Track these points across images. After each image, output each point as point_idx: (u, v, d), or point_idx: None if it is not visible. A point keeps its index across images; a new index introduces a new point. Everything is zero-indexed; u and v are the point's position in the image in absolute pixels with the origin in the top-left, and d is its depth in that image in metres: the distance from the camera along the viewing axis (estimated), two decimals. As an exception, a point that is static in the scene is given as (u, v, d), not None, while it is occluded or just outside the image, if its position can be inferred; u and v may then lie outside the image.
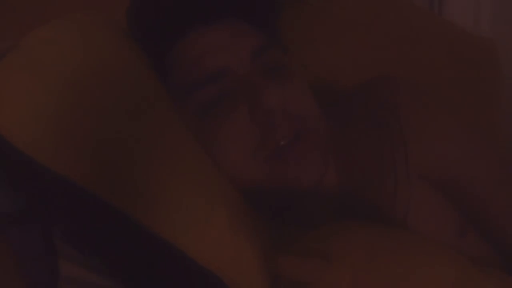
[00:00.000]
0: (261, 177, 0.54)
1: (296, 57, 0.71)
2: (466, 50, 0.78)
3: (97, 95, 0.52)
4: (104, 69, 0.54)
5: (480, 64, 0.78)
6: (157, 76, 0.58)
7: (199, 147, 0.55)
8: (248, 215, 0.54)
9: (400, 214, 0.55)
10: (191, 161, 0.53)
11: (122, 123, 0.51)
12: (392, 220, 0.55)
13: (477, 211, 0.57)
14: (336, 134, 0.60)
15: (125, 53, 0.58)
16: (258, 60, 0.56)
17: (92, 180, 0.49)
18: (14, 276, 0.56)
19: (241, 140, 0.54)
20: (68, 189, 0.49)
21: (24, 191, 0.55)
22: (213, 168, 0.55)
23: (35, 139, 0.49)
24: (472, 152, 0.58)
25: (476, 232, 0.58)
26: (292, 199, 0.57)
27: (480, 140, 0.61)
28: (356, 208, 0.59)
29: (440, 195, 0.57)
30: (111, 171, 0.49)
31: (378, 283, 0.45)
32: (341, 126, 0.61)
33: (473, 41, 0.80)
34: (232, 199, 0.54)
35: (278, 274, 0.48)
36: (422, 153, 0.56)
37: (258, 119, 0.53)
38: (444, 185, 0.57)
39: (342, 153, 0.60)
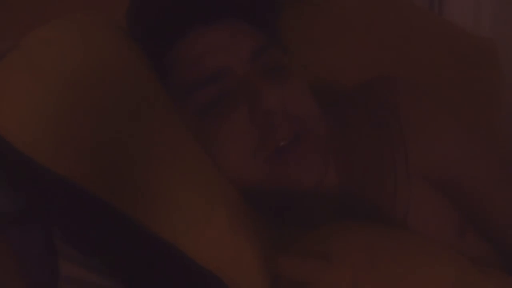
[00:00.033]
0: (261, 177, 0.54)
1: (296, 57, 0.71)
2: (466, 50, 0.78)
3: (97, 95, 0.52)
4: (104, 69, 0.54)
5: (480, 64, 0.78)
6: (157, 76, 0.58)
7: (199, 147, 0.55)
8: (248, 215, 0.54)
9: (400, 214, 0.55)
10: (191, 161, 0.53)
11: (122, 123, 0.51)
12: (392, 220, 0.55)
13: (477, 211, 0.57)
14: (336, 134, 0.60)
15: (125, 53, 0.58)
16: (258, 60, 0.56)
17: (92, 180, 0.49)
18: (14, 276, 0.56)
19: (241, 140, 0.54)
20: (68, 189, 0.49)
21: (24, 191, 0.55)
22: (213, 168, 0.55)
23: (35, 139, 0.49)
24: (472, 152, 0.58)
25: (476, 232, 0.58)
26: (292, 200, 0.57)
27: (480, 140, 0.61)
28: (356, 208, 0.59)
29: (440, 195, 0.57)
30: (111, 171, 0.49)
31: (378, 283, 0.45)
32: (341, 126, 0.61)
33: (473, 41, 0.80)
34: (232, 199, 0.54)
35: (278, 274, 0.48)
36: (422, 153, 0.56)
37: (258, 120, 0.53)
38: (444, 185, 0.57)
39: (342, 153, 0.60)
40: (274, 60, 0.57)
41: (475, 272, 0.49)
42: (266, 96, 0.53)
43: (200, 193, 0.51)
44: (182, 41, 0.57)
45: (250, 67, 0.55)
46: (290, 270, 0.47)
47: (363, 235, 0.49)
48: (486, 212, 0.57)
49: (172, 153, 0.52)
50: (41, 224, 0.58)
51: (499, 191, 0.57)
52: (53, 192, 0.51)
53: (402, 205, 0.55)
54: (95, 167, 0.49)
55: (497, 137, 0.77)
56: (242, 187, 0.55)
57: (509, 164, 0.59)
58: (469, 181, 0.57)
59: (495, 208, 0.57)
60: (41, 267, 0.58)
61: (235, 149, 0.54)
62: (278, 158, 0.53)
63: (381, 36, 0.76)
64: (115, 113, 0.51)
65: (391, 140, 0.57)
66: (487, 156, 0.59)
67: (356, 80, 0.67)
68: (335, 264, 0.46)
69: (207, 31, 0.56)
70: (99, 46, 0.56)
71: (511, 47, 0.95)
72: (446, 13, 1.03)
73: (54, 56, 0.53)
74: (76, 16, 0.58)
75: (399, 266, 0.46)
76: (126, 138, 0.51)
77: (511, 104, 0.84)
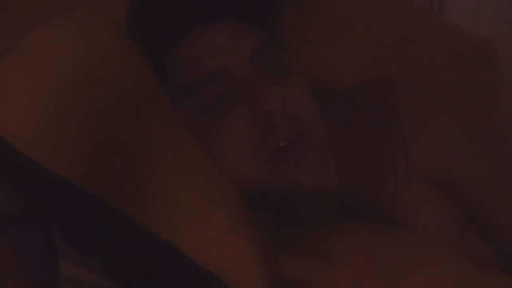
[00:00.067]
0: (261, 177, 0.54)
1: (296, 57, 0.71)
2: (466, 50, 0.78)
3: (97, 95, 0.52)
4: (104, 69, 0.54)
5: (480, 64, 0.78)
6: (157, 76, 0.58)
7: (199, 147, 0.55)
8: (248, 215, 0.54)
9: (400, 214, 0.55)
10: (191, 161, 0.53)
11: (121, 124, 0.51)
12: (392, 220, 0.55)
13: (477, 211, 0.57)
14: (336, 134, 0.60)
15: (125, 53, 0.58)
16: (258, 60, 0.56)
17: (92, 180, 0.49)
18: (14, 276, 0.56)
19: (241, 140, 0.54)
20: (68, 189, 0.49)
21: (24, 191, 0.55)
22: (213, 168, 0.55)
23: (35, 140, 0.49)
24: (472, 152, 0.58)
25: (476, 232, 0.58)
26: (292, 200, 0.57)
27: (480, 140, 0.61)
28: (356, 208, 0.59)
29: (440, 195, 0.57)
30: (111, 171, 0.49)
31: (378, 283, 0.45)
32: (341, 126, 0.61)
33: (473, 41, 0.80)
34: (232, 199, 0.54)
35: (278, 274, 0.48)
36: (422, 153, 0.56)
37: (257, 120, 0.53)
38: (444, 185, 0.57)
39: (342, 153, 0.60)
40: (274, 60, 0.57)
41: (475, 272, 0.49)
42: (266, 96, 0.53)
43: (200, 193, 0.51)
44: (182, 41, 0.57)
45: (250, 67, 0.55)
46: (290, 270, 0.47)
47: (363, 235, 0.49)
48: (486, 212, 0.57)
49: (172, 153, 0.52)
50: (41, 224, 0.58)
51: (499, 191, 0.57)
52: (53, 192, 0.51)
53: (402, 205, 0.55)
54: (95, 167, 0.49)
55: (497, 137, 0.77)
56: (242, 187, 0.55)
57: (509, 164, 0.59)
58: (469, 181, 0.57)
59: (495, 208, 0.57)
60: (41, 267, 0.58)
61: (235, 149, 0.54)
62: (278, 158, 0.53)
63: (381, 36, 0.76)
64: (115, 113, 0.51)
65: (391, 140, 0.57)
66: (487, 156, 0.59)
67: (356, 80, 0.67)
68: (335, 264, 0.46)
69: (207, 31, 0.56)
70: (99, 46, 0.56)
71: (511, 47, 0.95)
72: (446, 13, 1.03)
73: (54, 56, 0.53)
74: (76, 16, 0.58)
75: (399, 266, 0.46)
76: (126, 138, 0.51)
77: (511, 104, 0.84)
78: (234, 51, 0.56)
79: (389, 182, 0.56)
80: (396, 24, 0.78)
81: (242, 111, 0.54)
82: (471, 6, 1.04)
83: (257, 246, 0.51)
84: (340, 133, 0.61)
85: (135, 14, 0.60)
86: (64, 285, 0.56)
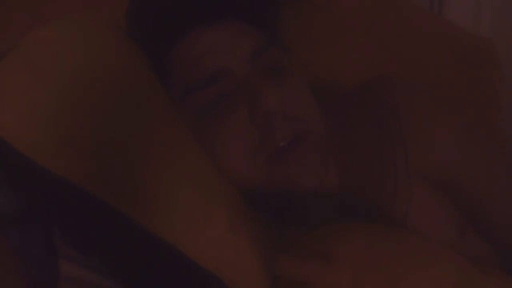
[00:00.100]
0: (261, 178, 0.54)
1: (296, 57, 0.71)
2: (466, 50, 0.78)
3: (96, 95, 0.52)
4: (104, 69, 0.54)
5: (480, 64, 0.78)
6: (157, 76, 0.58)
7: (199, 147, 0.55)
8: (248, 215, 0.54)
9: (400, 214, 0.55)
10: (191, 162, 0.53)
11: (121, 124, 0.51)
12: (392, 220, 0.55)
13: (477, 211, 0.57)
14: (336, 134, 0.60)
15: (125, 53, 0.58)
16: (258, 60, 0.56)
17: (92, 181, 0.49)
18: (14, 276, 0.56)
19: (241, 141, 0.54)
20: (68, 189, 0.49)
21: (24, 191, 0.55)
22: (213, 168, 0.55)
23: (35, 140, 0.49)
24: (472, 152, 0.58)
25: (476, 232, 0.58)
26: (293, 200, 0.57)
27: (480, 140, 0.61)
28: (356, 208, 0.59)
29: (440, 195, 0.57)
30: (110, 171, 0.49)
31: (378, 283, 0.45)
32: (341, 126, 0.61)
33: (473, 41, 0.80)
34: (232, 199, 0.54)
35: (278, 274, 0.48)
36: (422, 153, 0.56)
37: (257, 120, 0.53)
38: (444, 185, 0.57)
39: (342, 153, 0.60)
40: (274, 60, 0.57)
41: (475, 272, 0.49)
42: (266, 96, 0.53)
43: (200, 193, 0.51)
44: (182, 41, 0.57)
45: (250, 67, 0.55)
46: (290, 270, 0.47)
47: (363, 235, 0.49)
48: (486, 212, 0.57)
49: (172, 153, 0.52)
50: (41, 224, 0.58)
51: (499, 191, 0.57)
52: (53, 192, 0.51)
53: (402, 205, 0.55)
54: (95, 167, 0.49)
55: (497, 137, 0.77)
56: (242, 187, 0.55)
57: (509, 164, 0.59)
58: (469, 181, 0.57)
59: (495, 208, 0.57)
60: (41, 267, 0.58)
61: (235, 149, 0.54)
62: (278, 159, 0.53)
63: (381, 36, 0.76)
64: (115, 113, 0.51)
65: (391, 140, 0.57)
66: (487, 156, 0.59)
67: (356, 80, 0.67)
68: (335, 264, 0.46)
69: (207, 31, 0.56)
70: (99, 46, 0.56)
71: (511, 47, 0.95)
72: (446, 13, 1.03)
73: (54, 56, 0.53)
74: (76, 16, 0.58)
75: (399, 266, 0.46)
76: (126, 138, 0.51)
77: (511, 104, 0.84)
78: (234, 51, 0.56)
79: (389, 182, 0.56)
80: (396, 24, 0.78)
81: (242, 111, 0.54)
82: (471, 6, 1.04)
83: (257, 246, 0.51)
84: (340, 133, 0.61)
85: (135, 14, 0.60)
86: (64, 285, 0.56)
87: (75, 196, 0.49)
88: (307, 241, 0.49)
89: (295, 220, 0.58)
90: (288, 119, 0.54)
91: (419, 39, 0.77)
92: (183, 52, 0.57)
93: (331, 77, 0.74)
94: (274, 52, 0.58)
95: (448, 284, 0.46)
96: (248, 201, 0.56)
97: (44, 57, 0.52)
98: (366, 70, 0.72)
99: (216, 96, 0.55)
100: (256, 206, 0.56)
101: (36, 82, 0.50)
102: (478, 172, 0.57)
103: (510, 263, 0.58)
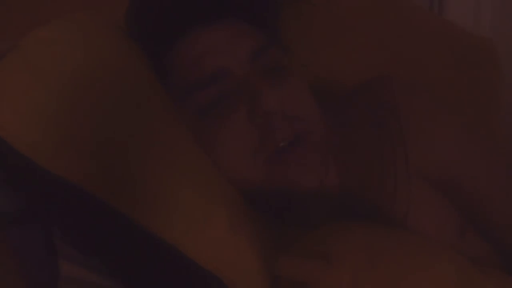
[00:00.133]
0: (261, 178, 0.54)
1: (296, 57, 0.71)
2: (466, 50, 0.78)
3: (96, 95, 0.52)
4: (104, 69, 0.54)
5: (480, 64, 0.78)
6: (157, 76, 0.58)
7: (199, 147, 0.55)
8: (248, 215, 0.54)
9: (400, 214, 0.55)
10: (191, 162, 0.53)
11: (121, 124, 0.51)
12: (392, 220, 0.55)
13: (477, 211, 0.57)
14: (336, 134, 0.60)
15: (125, 53, 0.58)
16: (258, 60, 0.56)
17: (91, 181, 0.49)
18: (14, 276, 0.56)
19: (240, 141, 0.54)
20: (68, 189, 0.49)
21: (24, 191, 0.55)
22: (213, 168, 0.55)
23: (35, 140, 0.49)
24: (472, 152, 0.58)
25: (476, 232, 0.58)
26: (293, 200, 0.57)
27: (480, 140, 0.61)
28: (356, 208, 0.59)
29: (440, 195, 0.57)
30: (110, 172, 0.49)
31: (378, 283, 0.45)
32: (341, 126, 0.61)
33: (473, 41, 0.80)
34: (232, 199, 0.54)
35: (278, 274, 0.48)
36: (422, 153, 0.56)
37: (257, 120, 0.53)
38: (444, 185, 0.57)
39: (342, 153, 0.60)
40: (274, 60, 0.57)
41: (475, 272, 0.49)
42: (266, 96, 0.53)
43: (200, 193, 0.51)
44: (182, 41, 0.57)
45: (250, 67, 0.55)
46: (290, 270, 0.47)
47: (363, 235, 0.49)
48: (486, 212, 0.57)
49: (172, 153, 0.52)
50: (41, 224, 0.58)
51: (499, 191, 0.57)
52: (53, 192, 0.51)
53: (402, 205, 0.55)
54: (94, 167, 0.49)
55: (497, 137, 0.77)
56: (242, 187, 0.55)
57: (509, 164, 0.59)
58: (469, 181, 0.57)
59: (495, 208, 0.57)
60: (41, 267, 0.58)
61: (235, 149, 0.54)
62: (278, 159, 0.53)
63: (381, 36, 0.76)
64: (115, 114, 0.51)
65: (391, 140, 0.56)
66: (487, 156, 0.59)
67: (356, 80, 0.67)
68: (335, 264, 0.46)
69: (207, 31, 0.56)
70: (99, 46, 0.56)
71: (511, 47, 0.95)
72: (446, 13, 1.03)
73: (54, 56, 0.53)
74: (76, 16, 0.58)
75: (399, 266, 0.46)
76: (126, 138, 0.51)
77: (511, 104, 0.84)
78: (234, 51, 0.56)
79: (389, 182, 0.56)
80: (396, 24, 0.78)
81: (242, 111, 0.54)
82: (471, 6, 1.04)
83: (257, 246, 0.51)
84: (340, 133, 0.61)
85: (135, 14, 0.60)
86: (64, 285, 0.56)
87: (75, 196, 0.49)
88: (307, 241, 0.49)
89: (295, 220, 0.58)
90: (288, 119, 0.54)
91: (419, 39, 0.77)
92: (183, 52, 0.57)
93: (331, 77, 0.74)
94: (274, 52, 0.58)
95: (448, 284, 0.46)
96: (248, 201, 0.56)
97: (44, 57, 0.52)
98: (366, 70, 0.72)
99: (216, 96, 0.55)
100: (256, 206, 0.56)
101: (36, 82, 0.50)
102: (478, 172, 0.57)
103: (510, 263, 0.58)
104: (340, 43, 0.75)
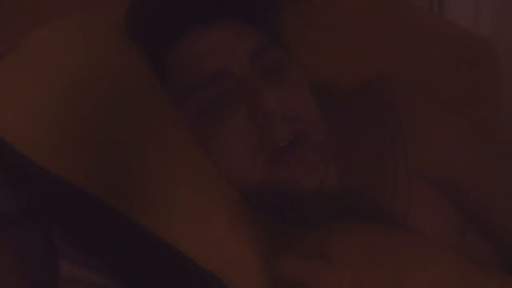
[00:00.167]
0: (261, 178, 0.54)
1: (296, 57, 0.71)
2: (466, 50, 0.78)
3: (96, 95, 0.52)
4: (104, 69, 0.54)
5: (480, 64, 0.78)
6: (157, 76, 0.58)
7: (199, 147, 0.55)
8: (248, 215, 0.54)
9: (400, 214, 0.55)
10: (191, 162, 0.53)
11: (121, 124, 0.51)
12: (392, 220, 0.55)
13: (477, 211, 0.57)
14: (336, 134, 0.60)
15: (125, 53, 0.58)
16: (257, 60, 0.56)
17: (91, 181, 0.49)
18: (14, 276, 0.56)
19: (241, 141, 0.54)
20: (68, 190, 0.49)
21: (24, 191, 0.55)
22: (213, 168, 0.55)
23: (35, 140, 0.49)
24: (472, 152, 0.58)
25: (476, 232, 0.58)
26: (293, 200, 0.57)
27: (480, 140, 0.61)
28: (356, 208, 0.59)
29: (440, 195, 0.57)
30: (110, 172, 0.49)
31: (378, 283, 0.45)
32: (341, 126, 0.61)
33: (473, 41, 0.80)
34: (232, 199, 0.54)
35: (278, 274, 0.48)
36: (422, 153, 0.56)
37: (257, 121, 0.53)
38: (444, 185, 0.57)
39: (342, 153, 0.60)
40: (274, 60, 0.57)
41: (475, 272, 0.49)
42: (266, 96, 0.53)
43: (200, 193, 0.51)
44: (182, 41, 0.57)
45: (250, 67, 0.55)
46: (290, 270, 0.47)
47: (363, 235, 0.49)
48: (486, 212, 0.57)
49: (172, 153, 0.52)
50: (41, 224, 0.58)
51: (499, 191, 0.57)
52: (53, 192, 0.51)
53: (402, 205, 0.55)
54: (94, 168, 0.49)
55: (497, 137, 0.77)
56: (242, 188, 0.55)
57: (509, 164, 0.59)
58: (469, 181, 0.57)
59: (495, 208, 0.57)
60: (41, 267, 0.58)
61: (235, 150, 0.54)
62: (278, 159, 0.53)
63: (381, 36, 0.76)
64: (115, 114, 0.51)
65: (391, 140, 0.56)
66: (487, 156, 0.59)
67: (356, 80, 0.67)
68: (335, 264, 0.46)
69: (207, 31, 0.56)
70: (99, 46, 0.56)
71: (511, 47, 0.95)
72: (446, 13, 1.03)
73: (54, 56, 0.53)
74: (76, 16, 0.58)
75: (399, 266, 0.46)
76: (126, 138, 0.51)
77: (511, 104, 0.84)
78: (234, 51, 0.56)
79: (389, 182, 0.56)
80: (396, 24, 0.78)
81: (242, 112, 0.54)
82: (471, 6, 1.04)
83: (257, 246, 0.51)
84: (340, 133, 0.61)
85: (135, 14, 0.60)
86: (64, 285, 0.56)
87: (75, 196, 0.49)
88: (307, 241, 0.49)
89: (295, 220, 0.58)
90: (288, 119, 0.54)
91: (419, 39, 0.77)
92: (183, 52, 0.57)
93: (331, 77, 0.74)
94: (274, 52, 0.58)
95: (448, 284, 0.46)
96: (248, 201, 0.56)
97: (44, 57, 0.52)
98: (366, 70, 0.72)
99: (216, 96, 0.55)
100: (256, 206, 0.56)
101: (36, 82, 0.50)
102: (478, 172, 0.57)
103: (510, 263, 0.58)
104: (340, 43, 0.75)
